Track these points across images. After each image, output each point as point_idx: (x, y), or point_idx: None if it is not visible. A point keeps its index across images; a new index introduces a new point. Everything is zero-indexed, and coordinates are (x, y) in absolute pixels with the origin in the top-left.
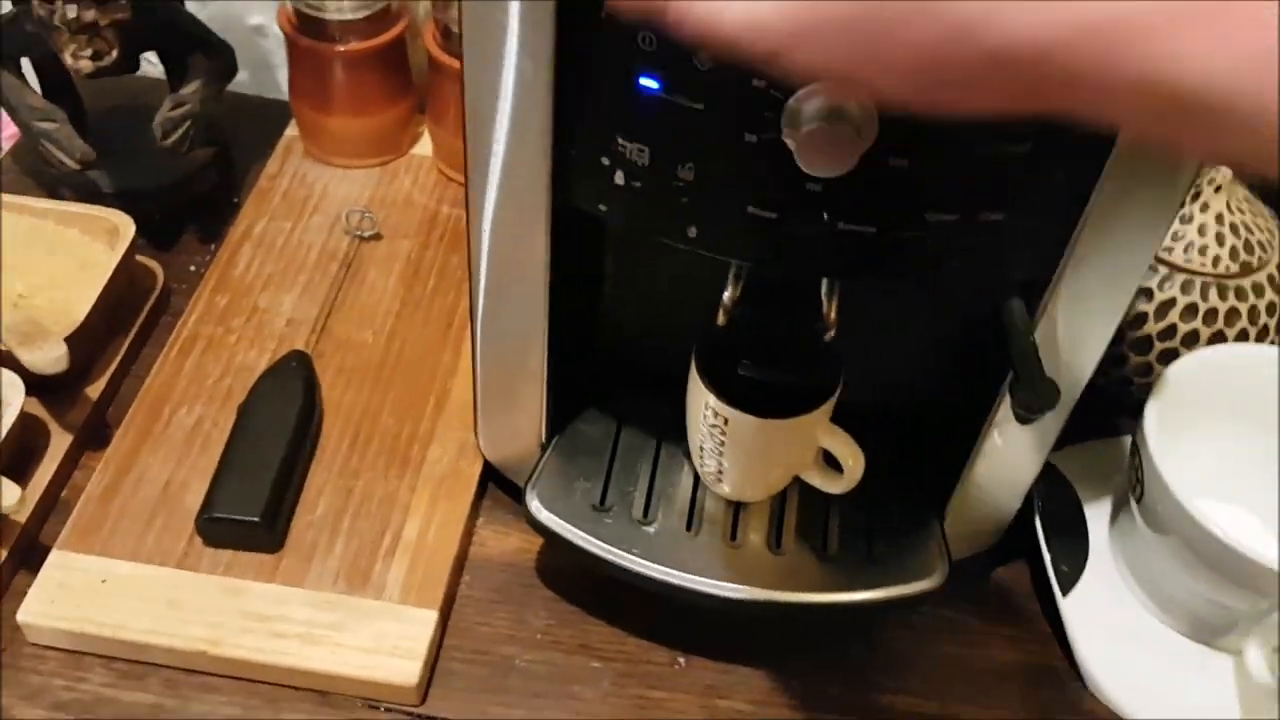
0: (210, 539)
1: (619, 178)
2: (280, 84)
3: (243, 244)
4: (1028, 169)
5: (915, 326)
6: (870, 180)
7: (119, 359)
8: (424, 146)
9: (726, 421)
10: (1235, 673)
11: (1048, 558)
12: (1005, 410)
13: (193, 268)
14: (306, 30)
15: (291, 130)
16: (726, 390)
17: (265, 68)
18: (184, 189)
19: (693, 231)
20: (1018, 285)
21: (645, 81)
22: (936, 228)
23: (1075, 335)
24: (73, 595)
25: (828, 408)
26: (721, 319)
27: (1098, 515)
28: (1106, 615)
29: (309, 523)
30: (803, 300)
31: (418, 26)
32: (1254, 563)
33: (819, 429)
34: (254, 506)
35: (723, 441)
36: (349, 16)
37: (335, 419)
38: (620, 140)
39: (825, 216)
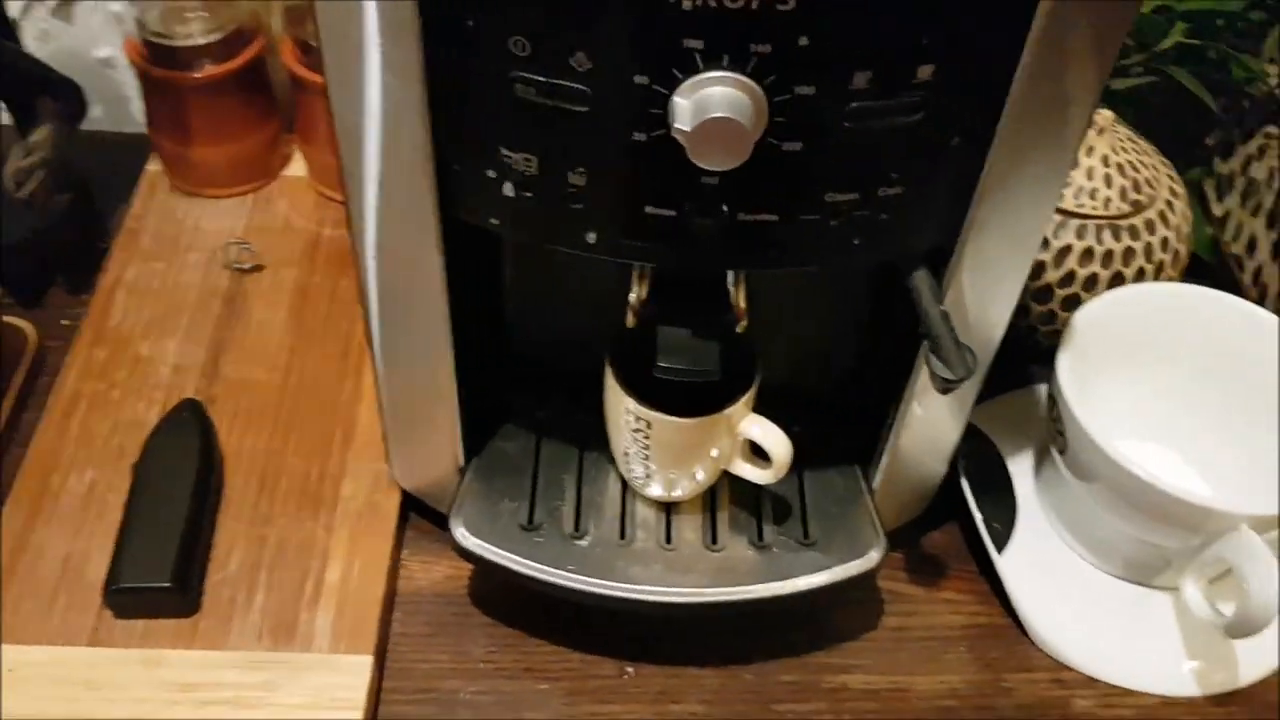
0: (121, 611)
1: (508, 189)
2: (136, 116)
3: (116, 291)
4: (921, 139)
5: (824, 304)
6: (766, 168)
7: None
8: (297, 167)
9: (649, 425)
10: (1175, 609)
11: (979, 517)
12: (924, 380)
13: (65, 322)
14: (158, 60)
15: (154, 164)
16: (645, 392)
17: (118, 101)
18: (46, 240)
19: (592, 237)
20: (922, 256)
21: (523, 88)
22: (836, 208)
23: (983, 298)
24: None
25: (749, 398)
26: (631, 320)
27: (1021, 468)
28: (1043, 568)
29: (223, 579)
30: (710, 293)
31: (274, 42)
32: (1182, 502)
33: (742, 421)
34: (163, 571)
35: (647, 445)
36: (200, 41)
37: (238, 466)
38: (504, 151)
39: (725, 209)
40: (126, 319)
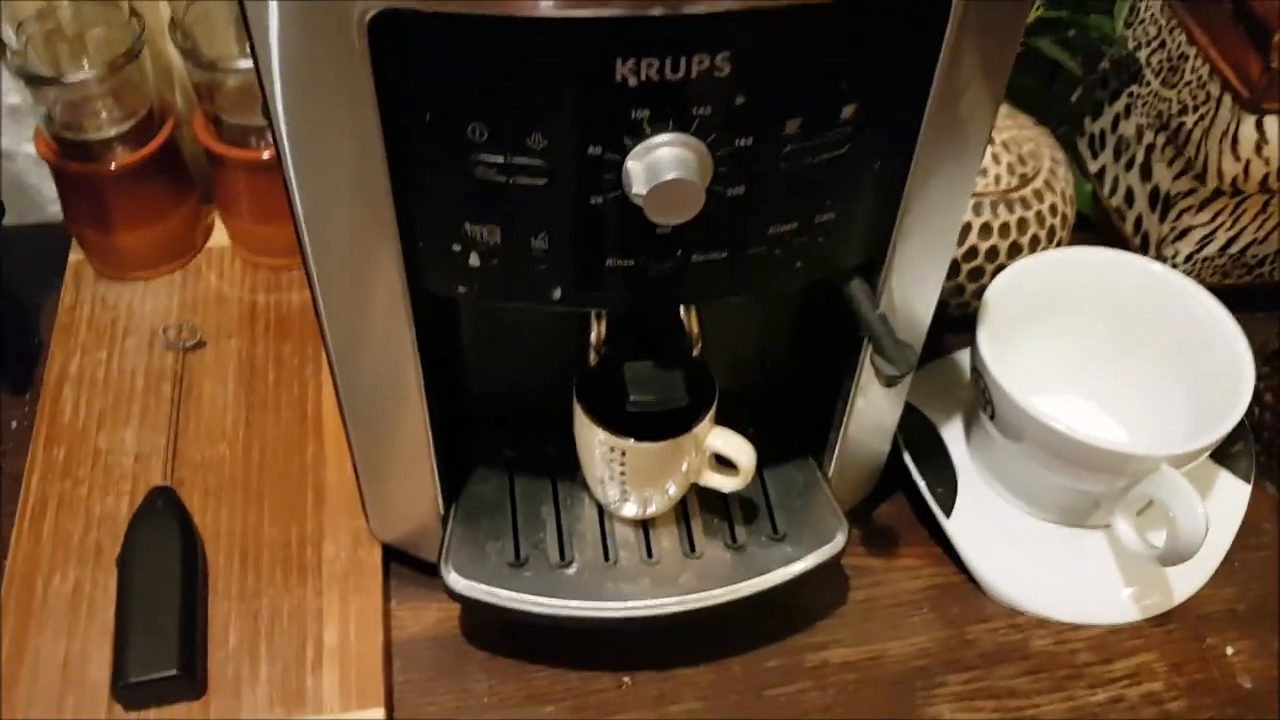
0: (130, 704)
1: (474, 260)
2: (46, 205)
3: (62, 386)
4: (849, 169)
5: (762, 316)
6: (714, 212)
7: None
8: (220, 236)
9: (624, 453)
10: (1109, 545)
11: (923, 486)
12: (866, 376)
13: (14, 424)
14: (71, 154)
15: (75, 253)
16: (615, 423)
17: (21, 191)
18: None
19: (556, 293)
20: (855, 269)
21: (483, 169)
22: (779, 239)
23: (912, 295)
24: None
25: (712, 415)
26: (593, 359)
27: (953, 434)
28: (987, 525)
29: (225, 657)
30: (665, 325)
31: (183, 119)
32: (1106, 451)
33: (708, 435)
34: (168, 660)
35: (623, 470)
36: (113, 132)
37: (218, 544)
38: (469, 225)
39: (679, 253)
40: (78, 414)
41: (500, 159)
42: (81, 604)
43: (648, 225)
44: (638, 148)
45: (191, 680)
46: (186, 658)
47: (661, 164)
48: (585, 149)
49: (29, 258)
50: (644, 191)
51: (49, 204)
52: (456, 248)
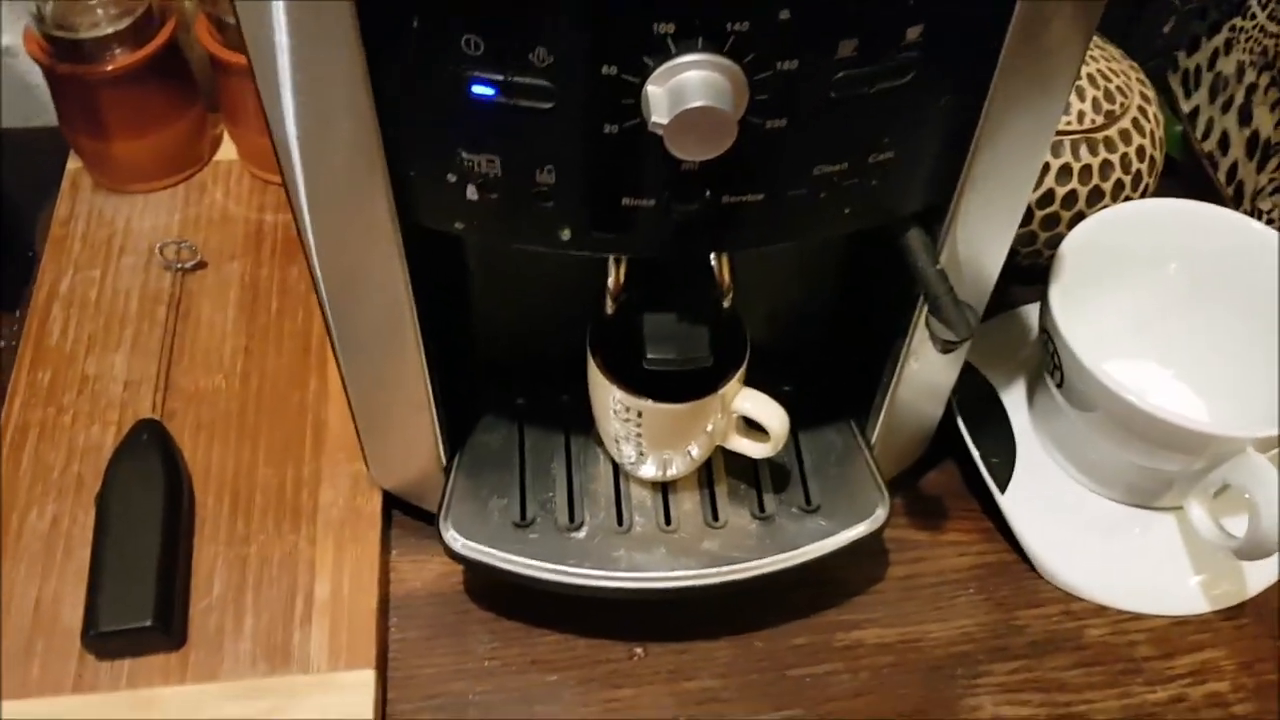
0: (103, 654)
1: (471, 193)
2: (47, 106)
3: (51, 305)
4: (912, 102)
5: (802, 263)
6: (749, 148)
7: None
8: (228, 150)
9: (640, 413)
10: (1179, 529)
11: (978, 456)
12: (920, 336)
13: (0, 343)
14: (63, 55)
15: (74, 162)
16: (632, 380)
17: (25, 90)
18: None
19: (565, 234)
20: (913, 216)
21: (479, 89)
22: (825, 181)
23: (977, 250)
24: None
25: (740, 375)
26: (610, 307)
27: (1014, 399)
28: (1045, 500)
29: (208, 607)
30: (693, 272)
31: (188, 21)
32: (1187, 430)
33: (736, 397)
34: (143, 609)
35: (639, 431)
36: (108, 30)
37: (207, 484)
38: (464, 154)
39: (707, 193)
40: (67, 335)
41: (499, 77)
42: (59, 542)
43: (671, 160)
44: (660, 69)
45: (167, 632)
46: (163, 608)
47: (687, 89)
48: (598, 68)
49: (30, 164)
50: (665, 121)
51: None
52: (452, 178)
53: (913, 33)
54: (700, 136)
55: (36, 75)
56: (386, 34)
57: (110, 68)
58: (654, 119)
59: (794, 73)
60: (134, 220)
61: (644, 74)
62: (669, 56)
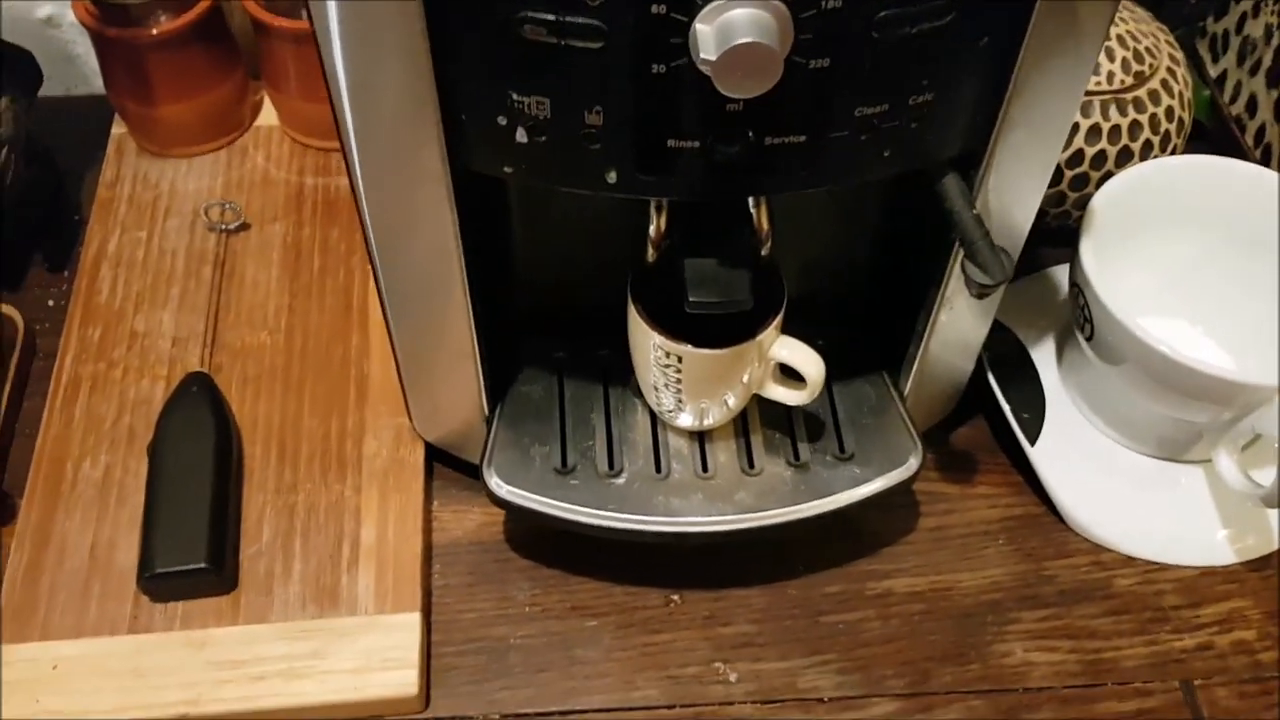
0: (157, 596)
1: (520, 135)
2: (89, 77)
3: (99, 265)
4: (951, 42)
5: (837, 212)
6: (792, 88)
7: (0, 421)
8: (269, 115)
9: (680, 359)
10: (1207, 481)
11: (1008, 410)
12: (955, 284)
13: (51, 302)
14: (110, 19)
15: (118, 127)
16: (673, 326)
17: (67, 61)
18: (17, 219)
19: (611, 176)
20: (950, 161)
21: (531, 29)
22: (866, 122)
23: (1012, 197)
24: (26, 690)
25: (779, 322)
26: (651, 254)
27: (1043, 355)
28: (1074, 453)
29: (258, 552)
30: (732, 219)
31: None
32: (1218, 379)
33: (773, 344)
34: (196, 552)
35: (679, 378)
36: None
37: (255, 435)
38: (515, 96)
39: (750, 135)
40: (115, 294)
41: (550, 17)
42: (112, 490)
43: (716, 100)
44: (708, 7)
45: (220, 574)
46: (216, 550)
47: (735, 26)
48: (648, 7)
49: (75, 131)
50: (714, 57)
51: (95, 75)
52: (502, 121)
53: None
54: (747, 73)
55: (77, 46)
56: None
57: (155, 31)
58: (702, 55)
59: (837, 11)
60: (178, 183)
61: (693, 12)
62: None
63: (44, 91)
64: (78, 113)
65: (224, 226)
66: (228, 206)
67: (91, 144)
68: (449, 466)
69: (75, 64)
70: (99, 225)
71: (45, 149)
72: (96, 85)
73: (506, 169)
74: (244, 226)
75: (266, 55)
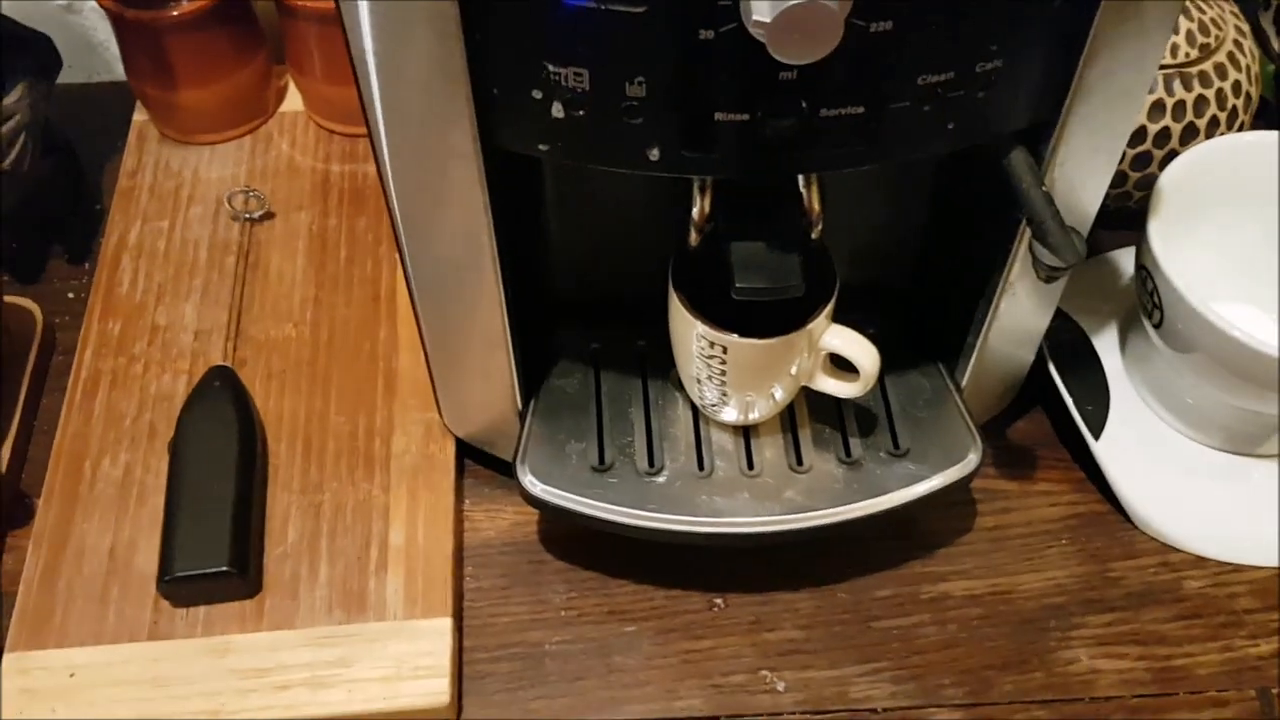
0: (178, 600)
1: (557, 110)
2: (110, 63)
3: (120, 256)
4: (1022, 5)
5: (890, 193)
6: (851, 54)
7: (17, 418)
8: (293, 100)
9: (725, 349)
10: None
11: (1070, 403)
12: (1018, 269)
13: (71, 295)
14: (130, 1)
15: (139, 114)
16: (716, 314)
17: (87, 48)
18: (36, 209)
19: (655, 154)
20: (1017, 134)
21: None
22: (930, 91)
23: (1083, 174)
24: (43, 699)
25: (829, 309)
26: (694, 238)
27: (1106, 344)
28: (1140, 448)
29: (283, 554)
30: (781, 199)
31: None
32: None
33: (824, 334)
34: (218, 554)
35: (723, 370)
36: None
37: (279, 432)
38: (551, 67)
39: (804, 106)
40: (136, 286)
41: None
42: (132, 489)
43: (769, 69)
44: None
45: (244, 577)
46: (239, 552)
47: None
48: None
49: (95, 118)
50: (768, 19)
51: (116, 61)
52: (537, 95)
53: None
54: (804, 36)
55: (98, 32)
56: None
57: (176, 13)
58: (755, 18)
59: None
60: (201, 171)
61: None
62: None
63: (64, 79)
64: (98, 100)
65: (248, 215)
66: (252, 195)
67: (113, 132)
68: (481, 464)
69: (96, 51)
70: (120, 215)
71: (65, 138)
72: (118, 72)
73: (541, 147)
74: (268, 215)
75: (291, 38)
